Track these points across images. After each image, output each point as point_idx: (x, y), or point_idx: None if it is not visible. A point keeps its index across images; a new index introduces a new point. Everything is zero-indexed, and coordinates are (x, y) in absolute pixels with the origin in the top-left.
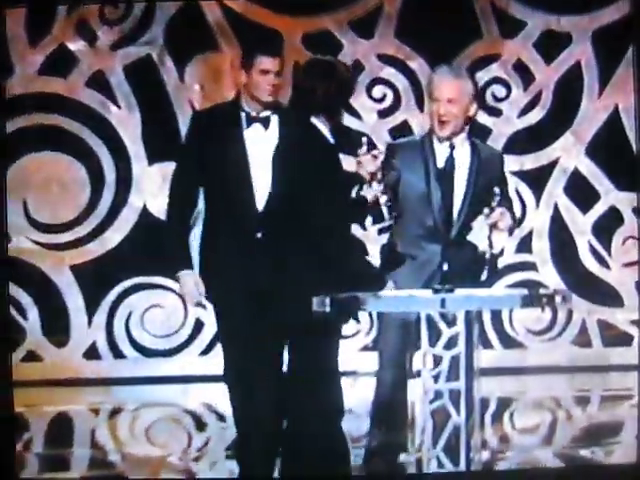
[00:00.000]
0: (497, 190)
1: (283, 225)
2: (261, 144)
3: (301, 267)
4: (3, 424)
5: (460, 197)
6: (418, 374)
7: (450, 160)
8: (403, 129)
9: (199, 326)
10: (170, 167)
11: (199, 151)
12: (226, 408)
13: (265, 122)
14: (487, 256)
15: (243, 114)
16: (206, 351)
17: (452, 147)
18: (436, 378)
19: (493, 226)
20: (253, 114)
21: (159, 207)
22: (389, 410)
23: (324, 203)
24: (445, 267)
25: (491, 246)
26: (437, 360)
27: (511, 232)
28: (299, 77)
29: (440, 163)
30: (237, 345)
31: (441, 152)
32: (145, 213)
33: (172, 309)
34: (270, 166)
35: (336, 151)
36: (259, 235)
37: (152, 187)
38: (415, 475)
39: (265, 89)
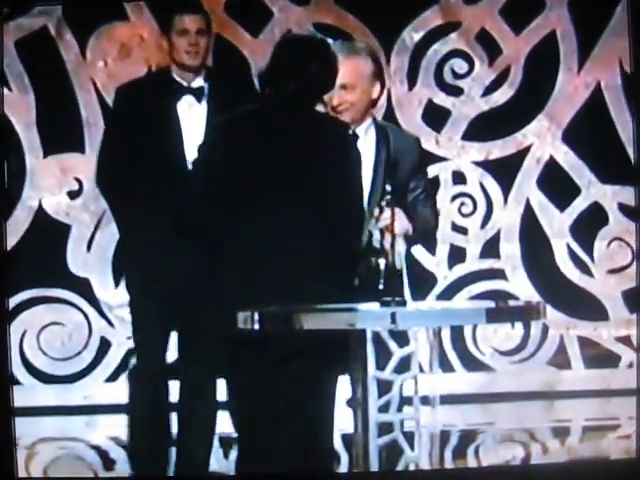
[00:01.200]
0: (388, 187)
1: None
2: (195, 119)
3: None
4: None
5: (365, 197)
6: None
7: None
8: None
9: (105, 347)
10: (71, 159)
11: (126, 131)
12: None
13: (198, 93)
14: (381, 267)
15: (173, 84)
16: (113, 377)
17: (354, 138)
18: (385, 407)
19: (386, 230)
20: (184, 84)
21: (57, 206)
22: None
23: None
24: (356, 282)
25: (380, 254)
26: (386, 386)
27: (408, 240)
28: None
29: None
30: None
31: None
32: (41, 213)
33: (74, 327)
34: None
35: None
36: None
37: (49, 183)
38: None
39: (187, 51)
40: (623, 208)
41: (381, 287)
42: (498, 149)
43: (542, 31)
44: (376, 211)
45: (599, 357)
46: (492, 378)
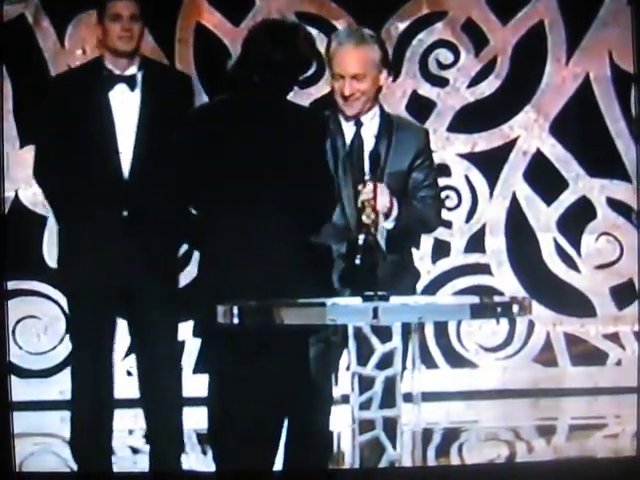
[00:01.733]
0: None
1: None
2: (127, 107)
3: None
4: None
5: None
6: (344, 400)
7: (357, 141)
8: (328, 102)
9: None
10: None
11: (59, 122)
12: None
13: (131, 81)
14: (360, 242)
15: (105, 73)
16: None
17: (359, 125)
18: (367, 404)
19: (367, 204)
20: (117, 72)
21: (34, 197)
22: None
23: None
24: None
25: (360, 229)
26: (368, 383)
27: (387, 216)
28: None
29: (346, 146)
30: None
31: (347, 132)
32: (17, 204)
33: (49, 320)
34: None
35: None
36: (125, 213)
37: (25, 174)
38: None
39: (119, 36)
40: (612, 202)
41: (357, 262)
42: (484, 141)
43: (530, 21)
44: (359, 186)
45: (586, 354)
46: (476, 375)
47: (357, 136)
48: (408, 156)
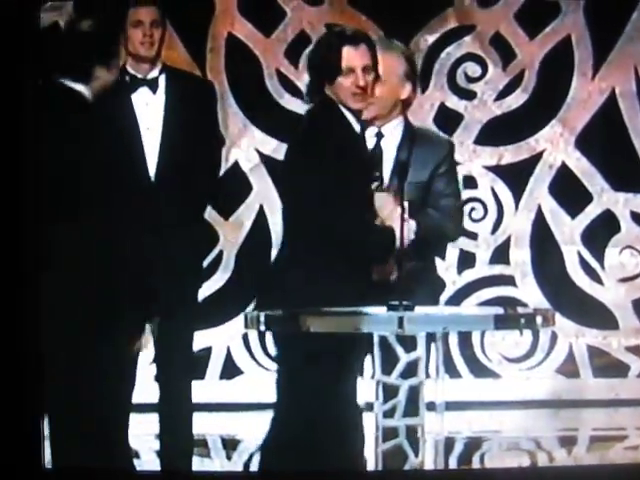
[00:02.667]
0: (377, 173)
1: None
2: (151, 110)
3: None
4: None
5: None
6: (369, 407)
7: (377, 152)
8: None
9: None
10: None
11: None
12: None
13: (153, 85)
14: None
15: (127, 77)
16: None
17: (379, 136)
18: (390, 412)
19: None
20: (139, 76)
21: None
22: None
23: None
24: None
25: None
26: (392, 391)
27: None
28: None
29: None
30: None
31: (369, 141)
32: None
33: None
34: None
35: None
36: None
37: None
38: None
39: (141, 42)
40: (635, 216)
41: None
42: (510, 154)
43: (557, 36)
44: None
45: (608, 366)
46: (499, 385)
47: (377, 147)
48: (429, 166)
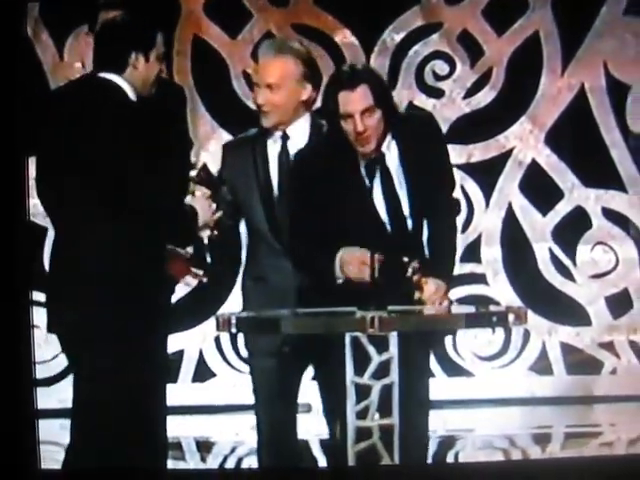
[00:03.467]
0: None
1: None
2: None
3: None
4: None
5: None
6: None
7: (284, 156)
8: None
9: None
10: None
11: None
12: None
13: None
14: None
15: None
16: None
17: (285, 138)
18: (363, 413)
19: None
20: None
21: (34, 209)
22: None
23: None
24: None
25: None
26: (365, 392)
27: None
28: None
29: (273, 164)
30: None
31: (273, 149)
32: None
33: None
34: None
35: None
36: None
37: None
38: None
39: None
40: (607, 212)
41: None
42: (479, 152)
43: (525, 32)
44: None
45: (581, 363)
46: (472, 383)
47: (284, 151)
48: None
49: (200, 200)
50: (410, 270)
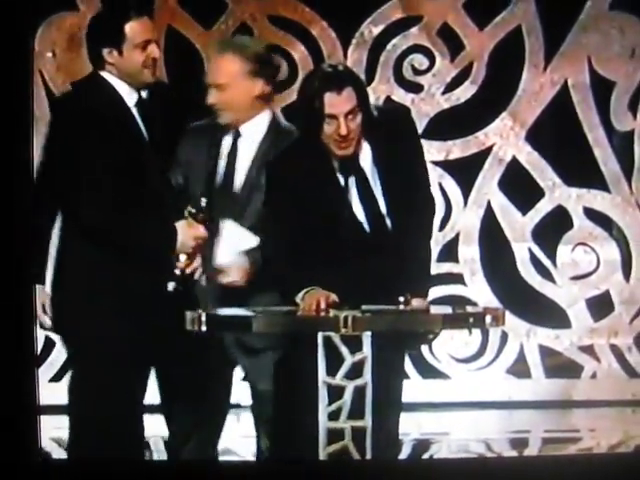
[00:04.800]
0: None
1: None
2: None
3: None
4: None
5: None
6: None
7: (232, 153)
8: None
9: (49, 346)
10: None
11: None
12: None
13: None
14: None
15: None
16: (57, 377)
17: (236, 135)
18: (336, 414)
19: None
20: None
21: None
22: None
23: None
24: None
25: None
26: (337, 393)
27: None
28: None
29: (222, 159)
30: None
31: (225, 145)
32: None
33: None
34: None
35: None
36: None
37: None
38: None
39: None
40: (588, 212)
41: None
42: (458, 149)
43: (507, 26)
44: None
45: (561, 367)
46: (448, 386)
47: (233, 146)
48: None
49: (186, 230)
50: (402, 300)
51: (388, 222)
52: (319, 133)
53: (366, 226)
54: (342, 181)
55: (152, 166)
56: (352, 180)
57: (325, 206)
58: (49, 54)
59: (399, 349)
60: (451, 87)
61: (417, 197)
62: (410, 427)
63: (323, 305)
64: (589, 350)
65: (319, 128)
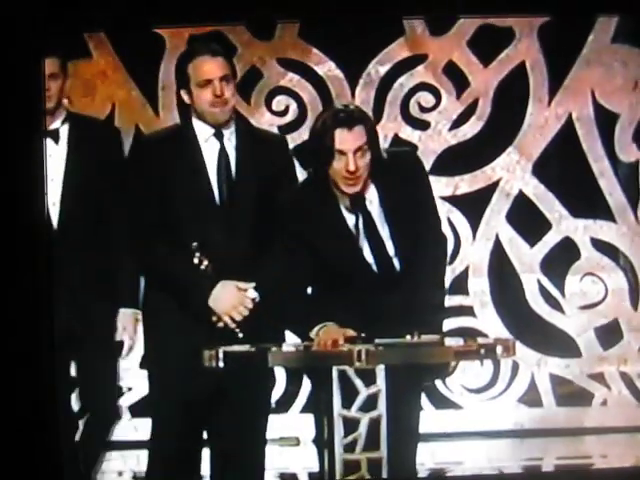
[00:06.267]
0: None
1: None
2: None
3: None
4: None
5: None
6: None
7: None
8: None
9: None
10: None
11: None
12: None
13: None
14: None
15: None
16: None
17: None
18: (351, 446)
19: None
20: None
21: None
22: None
23: None
24: None
25: None
26: (352, 425)
27: None
28: None
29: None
30: None
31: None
32: None
33: None
34: None
35: None
36: None
37: None
38: None
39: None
40: (595, 242)
41: None
42: (466, 184)
43: (511, 62)
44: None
45: (571, 395)
46: (461, 416)
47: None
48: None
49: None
50: (410, 338)
51: (396, 263)
52: (328, 169)
53: (374, 267)
54: (351, 222)
55: None
56: (361, 222)
57: (335, 246)
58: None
59: (414, 382)
60: (457, 123)
61: (427, 238)
62: (424, 457)
63: (341, 341)
64: (599, 378)
65: (329, 164)
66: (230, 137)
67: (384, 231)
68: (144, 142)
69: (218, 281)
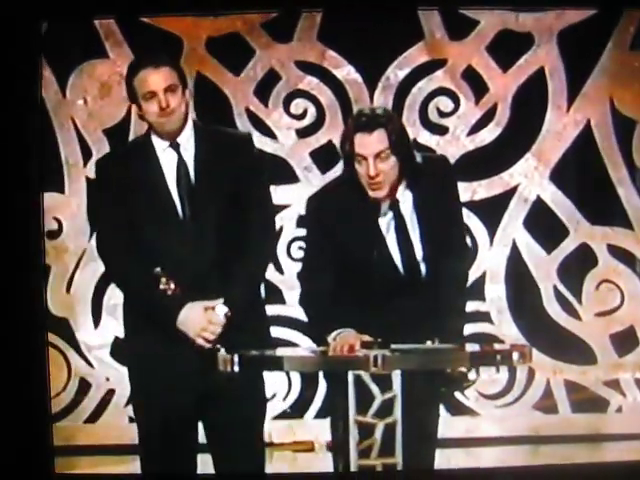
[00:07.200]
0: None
1: None
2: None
3: None
4: None
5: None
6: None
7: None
8: (328, 151)
9: (85, 388)
10: (50, 199)
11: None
12: None
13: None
14: None
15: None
16: (92, 418)
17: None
18: (366, 452)
19: None
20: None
21: None
22: None
23: None
24: None
25: None
26: (368, 430)
27: None
28: None
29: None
30: None
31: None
32: None
33: (52, 368)
34: None
35: None
36: None
37: None
38: None
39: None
40: (612, 250)
41: None
42: (484, 189)
43: (530, 68)
44: None
45: (587, 401)
46: (476, 422)
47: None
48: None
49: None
50: (434, 343)
51: (422, 268)
52: (353, 173)
53: (401, 270)
54: (382, 224)
55: None
56: (392, 224)
57: (365, 247)
58: (80, 101)
59: (431, 388)
60: (476, 129)
61: (454, 246)
62: (439, 463)
63: (357, 346)
64: (615, 385)
65: (352, 168)
66: (187, 146)
67: (414, 235)
68: (106, 158)
69: (186, 303)
